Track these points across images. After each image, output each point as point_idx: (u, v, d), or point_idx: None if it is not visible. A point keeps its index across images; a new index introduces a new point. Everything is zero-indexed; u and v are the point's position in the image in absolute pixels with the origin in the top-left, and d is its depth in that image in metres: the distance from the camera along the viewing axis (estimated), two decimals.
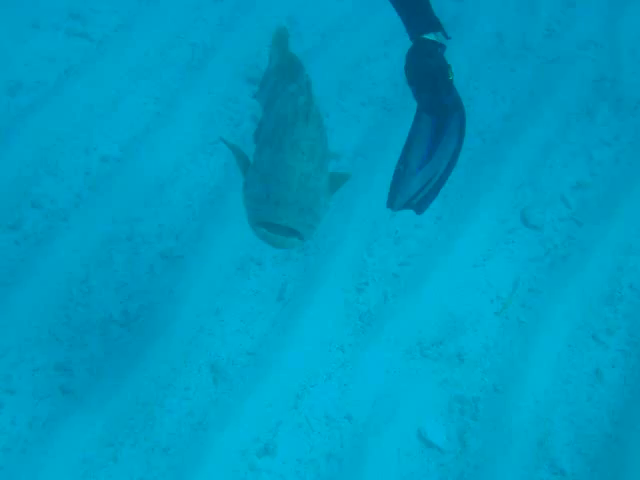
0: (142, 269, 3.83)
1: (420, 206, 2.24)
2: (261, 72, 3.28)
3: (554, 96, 4.61)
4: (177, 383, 3.49)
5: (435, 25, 2.18)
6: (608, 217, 4.11)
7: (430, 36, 2.16)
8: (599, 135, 4.45)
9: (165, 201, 4.06)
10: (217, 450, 3.30)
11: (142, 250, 3.88)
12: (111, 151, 4.20)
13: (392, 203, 2.22)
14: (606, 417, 3.47)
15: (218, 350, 3.61)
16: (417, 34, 2.17)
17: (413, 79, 2.18)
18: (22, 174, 4.01)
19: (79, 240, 3.85)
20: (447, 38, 2.18)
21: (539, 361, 3.60)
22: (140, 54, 4.62)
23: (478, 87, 4.69)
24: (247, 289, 3.82)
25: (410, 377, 3.57)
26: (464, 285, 3.86)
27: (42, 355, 3.50)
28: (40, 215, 3.92)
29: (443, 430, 3.43)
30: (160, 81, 4.54)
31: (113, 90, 4.44)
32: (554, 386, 3.55)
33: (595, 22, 5.02)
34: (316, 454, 3.35)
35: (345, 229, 4.03)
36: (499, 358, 3.63)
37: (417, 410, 3.47)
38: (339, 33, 4.88)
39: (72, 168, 4.08)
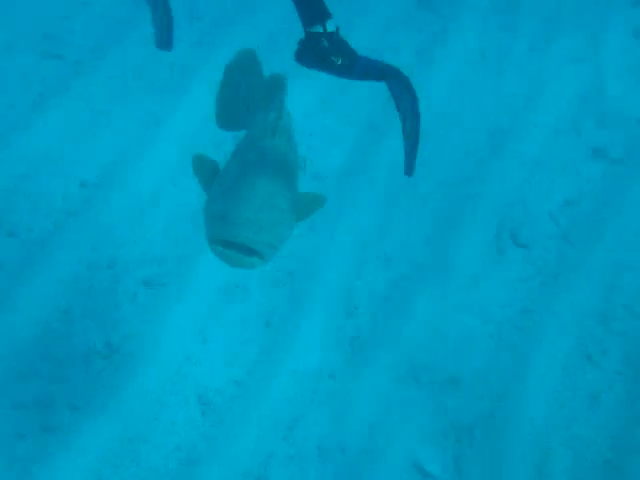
0: (124, 297, 3.71)
1: (408, 168, 2.39)
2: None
3: (539, 112, 4.57)
4: (163, 416, 3.38)
5: (321, 17, 2.32)
6: (598, 234, 4.05)
7: (317, 28, 2.33)
8: (586, 151, 4.40)
9: (146, 226, 3.95)
10: None
11: (124, 278, 3.76)
12: (89, 176, 4.08)
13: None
14: (605, 442, 3.39)
15: (205, 380, 3.50)
16: (306, 27, 2.34)
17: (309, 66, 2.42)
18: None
19: (58, 269, 3.73)
20: (333, 31, 2.35)
21: (535, 385, 3.52)
22: (117, 75, 4.50)
23: (463, 103, 4.63)
24: (234, 316, 3.71)
25: (404, 405, 3.47)
26: (456, 307, 3.78)
27: (22, 391, 3.37)
28: (16, 244, 3.79)
29: (439, 459, 3.34)
30: (138, 102, 4.43)
31: (89, 112, 4.32)
32: (551, 410, 3.47)
33: (577, 37, 4.99)
34: None
35: (332, 252, 3.94)
36: (494, 383, 3.54)
37: (412, 439, 3.38)
38: None
39: (49, 195, 3.96)
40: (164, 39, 2.65)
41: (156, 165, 4.18)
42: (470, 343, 3.67)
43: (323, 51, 2.33)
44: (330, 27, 2.32)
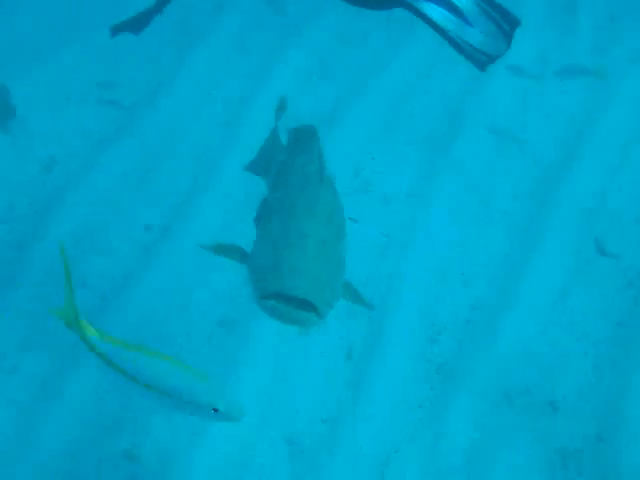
0: (200, 339, 3.61)
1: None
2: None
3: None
4: (251, 461, 3.25)
5: None
6: None
7: None
8: None
9: (216, 265, 3.85)
10: None
11: (198, 319, 3.67)
12: (154, 220, 4.01)
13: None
14: None
15: (291, 420, 3.37)
16: None
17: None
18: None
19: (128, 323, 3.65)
20: None
21: None
22: (174, 115, 4.46)
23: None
24: (313, 350, 3.58)
25: (501, 432, 3.29)
26: (545, 325, 3.59)
27: None
28: (88, 294, 3.73)
29: None
30: (197, 141, 4.37)
31: (150, 155, 4.27)
32: None
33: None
34: None
35: (408, 277, 3.79)
36: (596, 403, 3.34)
37: (514, 469, 3.19)
38: (375, 72, 4.68)
39: (116, 242, 3.90)
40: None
41: (220, 202, 4.10)
42: (565, 362, 3.47)
43: None
44: None
